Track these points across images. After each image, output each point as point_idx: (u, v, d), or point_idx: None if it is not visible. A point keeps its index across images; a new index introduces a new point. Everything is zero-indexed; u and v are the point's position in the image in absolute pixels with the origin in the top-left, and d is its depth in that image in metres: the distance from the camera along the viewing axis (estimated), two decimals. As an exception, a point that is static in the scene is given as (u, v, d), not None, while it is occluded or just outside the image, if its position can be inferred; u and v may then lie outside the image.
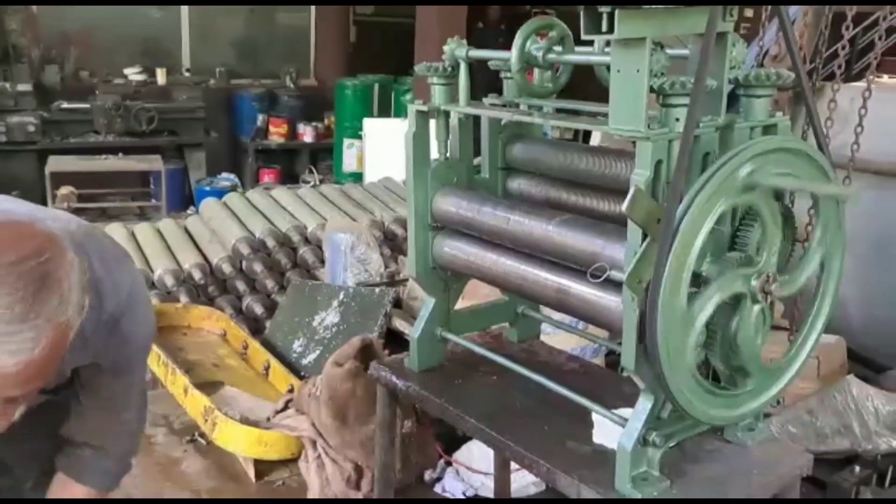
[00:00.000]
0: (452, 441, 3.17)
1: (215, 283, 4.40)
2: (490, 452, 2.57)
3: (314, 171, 8.23)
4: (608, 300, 1.59)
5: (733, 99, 1.58)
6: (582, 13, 1.39)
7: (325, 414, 2.99)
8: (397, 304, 3.96)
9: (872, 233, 3.64)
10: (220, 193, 5.85)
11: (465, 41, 1.85)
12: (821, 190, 1.51)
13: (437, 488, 3.12)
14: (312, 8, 9.29)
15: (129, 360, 1.65)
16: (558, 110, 1.94)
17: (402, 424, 2.92)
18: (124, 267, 1.53)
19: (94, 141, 7.35)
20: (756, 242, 1.52)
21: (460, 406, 1.92)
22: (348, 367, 2.99)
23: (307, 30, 9.42)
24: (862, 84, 2.85)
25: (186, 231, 4.89)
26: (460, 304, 2.14)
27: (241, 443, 3.16)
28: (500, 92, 1.97)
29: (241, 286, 4.42)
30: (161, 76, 8.29)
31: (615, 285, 1.51)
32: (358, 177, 7.24)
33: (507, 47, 1.74)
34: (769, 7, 3.17)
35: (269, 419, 3.26)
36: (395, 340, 3.63)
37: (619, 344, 1.54)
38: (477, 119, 1.98)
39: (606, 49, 1.65)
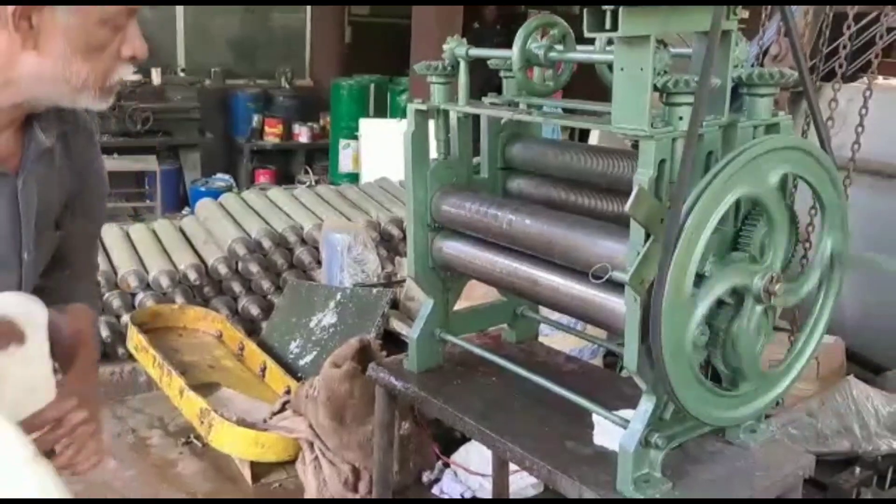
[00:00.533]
0: (450, 442, 3.17)
1: (211, 283, 4.38)
2: (488, 454, 2.56)
3: (310, 171, 8.21)
4: (610, 301, 1.58)
5: (734, 98, 1.58)
6: (585, 11, 1.37)
7: (322, 415, 2.97)
8: (394, 304, 3.95)
9: (869, 233, 3.63)
10: (215, 194, 5.82)
11: (464, 39, 1.83)
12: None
13: (435, 490, 3.11)
14: (308, 8, 9.28)
15: (102, 202, 1.60)
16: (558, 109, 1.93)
17: (400, 426, 2.91)
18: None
19: (89, 141, 7.31)
20: (760, 242, 1.51)
21: (459, 407, 1.90)
22: (346, 369, 2.97)
23: (303, 30, 9.40)
24: (860, 84, 2.84)
25: (182, 232, 4.87)
26: (458, 305, 2.13)
27: (238, 445, 3.14)
28: (496, 92, 1.96)
29: (237, 287, 4.40)
30: (156, 76, 8.25)
31: (617, 286, 1.50)
32: (354, 177, 7.23)
33: (504, 47, 1.73)
34: (769, 6, 3.17)
35: (265, 421, 3.25)
36: (392, 341, 3.61)
37: (619, 345, 1.53)
38: (476, 119, 1.96)
39: (608, 48, 1.64)
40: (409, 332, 2.07)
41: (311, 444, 3.05)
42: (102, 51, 1.25)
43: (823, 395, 2.86)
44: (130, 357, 3.84)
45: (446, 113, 1.91)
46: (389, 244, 4.79)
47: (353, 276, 4.25)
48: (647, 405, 1.55)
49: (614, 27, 1.34)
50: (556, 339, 2.72)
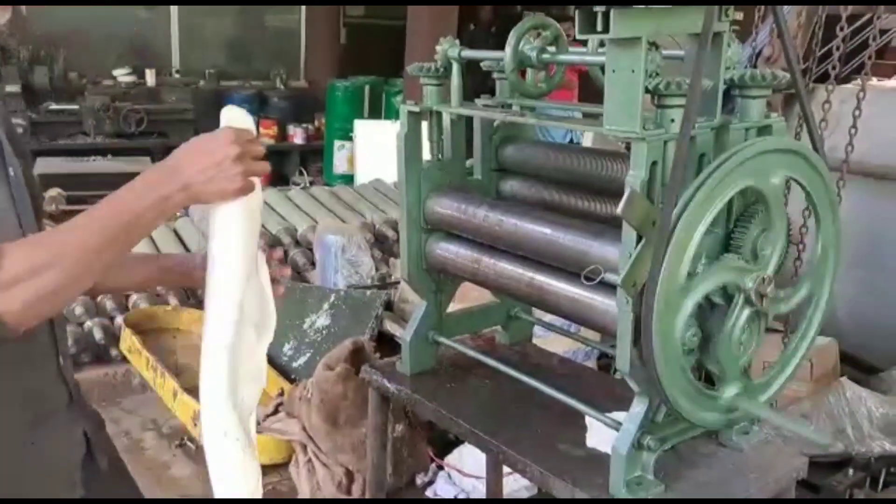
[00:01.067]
0: (444, 445, 3.16)
1: (205, 285, 4.36)
2: (482, 456, 2.56)
3: (304, 172, 8.20)
4: (602, 303, 1.58)
5: (727, 100, 1.58)
6: (576, 12, 1.37)
7: (315, 417, 2.97)
8: (388, 306, 3.94)
9: (862, 235, 3.64)
10: (209, 195, 5.80)
11: (457, 41, 1.83)
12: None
13: (429, 492, 3.11)
14: (303, 9, 9.28)
15: None
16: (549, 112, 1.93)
17: (394, 428, 2.91)
18: None
19: (83, 143, 7.31)
20: (752, 244, 1.51)
21: (452, 409, 1.90)
22: (339, 371, 2.97)
23: (297, 31, 9.40)
24: (853, 86, 2.85)
25: (176, 233, 4.85)
26: (452, 307, 2.12)
27: (231, 447, 3.12)
28: (489, 93, 1.96)
29: (231, 288, 4.37)
30: (150, 77, 8.25)
31: (610, 288, 1.50)
32: (348, 179, 7.22)
33: (500, 49, 1.73)
34: (762, 8, 3.17)
35: (258, 423, 3.24)
36: (386, 343, 3.61)
37: (612, 347, 1.53)
38: (469, 120, 1.96)
39: (600, 49, 1.63)
40: (403, 334, 2.07)
41: (305, 447, 3.04)
42: None
43: (817, 397, 2.86)
44: (124, 359, 3.83)
45: (439, 114, 1.91)
46: (384, 246, 4.78)
47: (347, 278, 4.24)
48: (639, 407, 1.55)
49: (606, 29, 1.34)
50: (550, 341, 2.72)
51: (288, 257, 4.62)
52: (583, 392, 1.79)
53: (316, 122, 8.66)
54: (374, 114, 8.28)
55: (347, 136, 7.66)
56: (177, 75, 8.65)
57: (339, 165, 7.87)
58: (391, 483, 2.68)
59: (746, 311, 1.50)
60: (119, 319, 3.95)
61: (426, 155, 1.95)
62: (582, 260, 1.58)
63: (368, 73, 8.64)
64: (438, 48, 1.83)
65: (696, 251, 1.42)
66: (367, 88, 8.40)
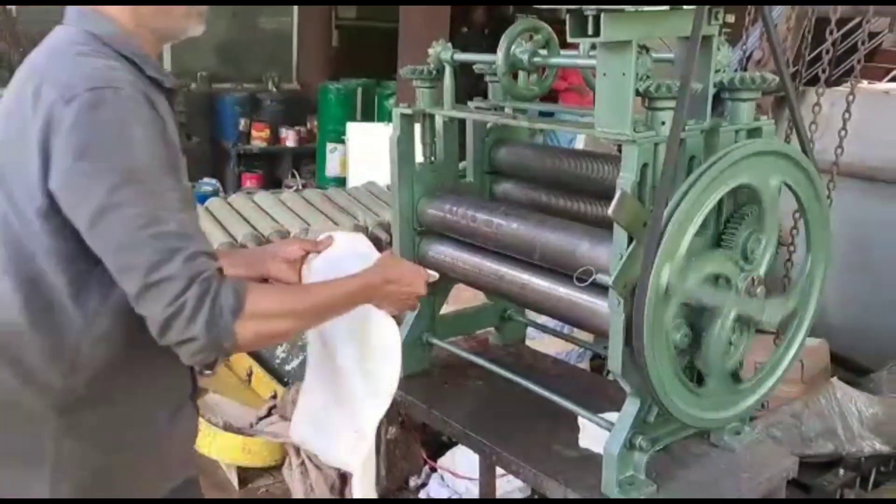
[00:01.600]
0: (437, 447, 3.16)
1: (197, 288, 4.35)
2: (475, 458, 2.56)
3: (297, 175, 8.17)
4: (595, 304, 1.59)
5: (717, 103, 1.59)
6: (567, 16, 1.38)
7: (308, 420, 2.96)
8: (381, 309, 3.93)
9: (853, 236, 3.66)
10: (201, 198, 5.78)
11: (450, 44, 1.84)
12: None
13: (422, 494, 3.11)
14: (295, 12, 9.26)
15: None
16: (542, 113, 1.94)
17: (387, 430, 2.91)
18: None
19: (74, 146, 7.28)
20: (742, 244, 1.52)
21: (445, 411, 1.91)
22: (332, 373, 2.96)
23: (289, 34, 9.38)
24: (843, 89, 2.87)
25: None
26: (445, 309, 2.13)
27: (224, 450, 3.13)
28: (482, 96, 1.96)
29: (223, 291, 4.37)
30: (142, 80, 8.21)
31: (601, 289, 1.50)
32: (341, 181, 7.21)
33: (492, 52, 1.74)
34: (752, 11, 3.19)
35: (252, 426, 3.24)
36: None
37: (605, 348, 1.54)
38: (462, 123, 1.97)
39: (592, 52, 1.65)
40: (396, 336, 2.07)
41: (298, 450, 3.04)
42: None
43: (807, 398, 2.88)
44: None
45: (432, 117, 1.91)
46: (377, 248, 4.77)
47: (340, 281, 4.23)
48: (631, 408, 1.56)
49: (596, 33, 1.35)
50: (543, 342, 2.73)
51: (281, 260, 4.62)
52: (576, 393, 1.79)
53: (308, 125, 8.63)
54: (367, 116, 8.27)
55: (340, 138, 7.65)
56: (169, 78, 8.62)
57: (332, 168, 7.85)
58: (384, 485, 2.68)
59: (735, 311, 1.51)
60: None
61: (419, 157, 1.95)
62: (574, 261, 1.59)
63: (361, 76, 8.63)
64: (431, 51, 1.84)
65: (687, 252, 1.43)
66: (359, 91, 8.38)
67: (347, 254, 1.68)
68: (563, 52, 1.76)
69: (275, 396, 3.40)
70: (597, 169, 1.73)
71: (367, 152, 6.67)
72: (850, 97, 2.75)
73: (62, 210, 1.22)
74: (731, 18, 1.54)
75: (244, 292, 1.24)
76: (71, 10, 1.39)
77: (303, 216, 4.98)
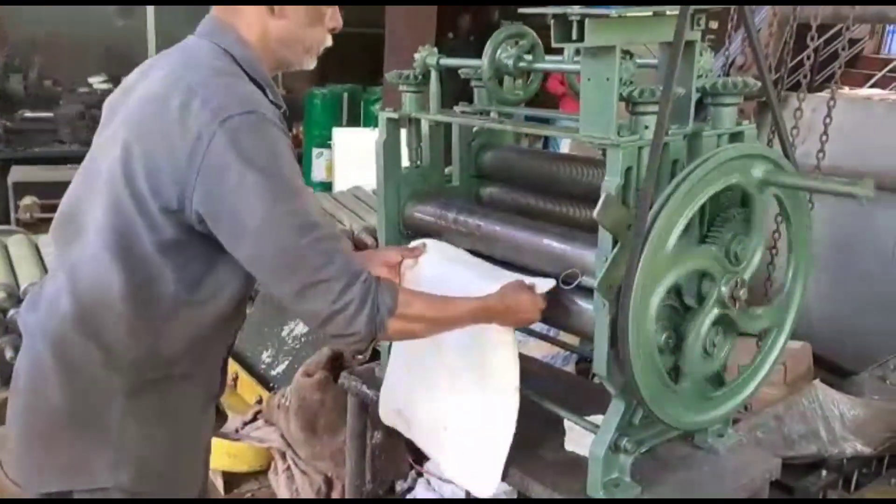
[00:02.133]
0: (423, 451, 3.15)
1: (183, 293, 4.33)
2: (462, 461, 2.56)
3: (283, 180, 8.15)
4: (580, 306, 1.60)
5: (699, 108, 1.60)
6: (552, 21, 1.40)
7: (294, 425, 2.96)
8: (367, 313, 3.92)
9: (834, 239, 3.70)
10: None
11: (435, 49, 1.85)
12: (840, 189, 1.46)
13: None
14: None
15: None
16: (528, 118, 1.95)
17: (373, 435, 2.90)
18: None
19: (59, 150, 7.23)
20: (726, 245, 1.53)
21: (432, 415, 1.91)
22: (318, 378, 2.96)
23: (276, 39, 9.37)
24: (824, 94, 2.90)
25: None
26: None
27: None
28: (468, 100, 1.97)
29: (209, 296, 4.35)
30: (127, 85, 8.17)
31: (587, 291, 1.52)
32: (327, 186, 7.20)
33: (478, 58, 1.75)
34: (735, 16, 3.22)
35: (237, 431, 3.22)
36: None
37: (591, 351, 1.54)
38: (448, 127, 1.98)
39: (577, 58, 1.66)
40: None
41: (284, 454, 3.03)
42: (322, 21, 1.53)
43: (790, 400, 2.89)
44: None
45: (418, 121, 1.92)
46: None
47: (326, 285, 4.22)
48: (616, 410, 1.57)
49: (581, 38, 1.36)
50: (529, 345, 2.73)
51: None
52: (562, 396, 1.80)
53: (294, 130, 8.61)
54: (353, 121, 8.26)
55: (326, 143, 7.64)
56: (154, 83, 8.58)
57: (318, 173, 7.85)
58: (370, 490, 2.68)
59: (716, 311, 1.53)
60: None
61: (405, 161, 1.96)
62: (560, 264, 1.60)
63: (346, 82, 8.62)
64: (417, 56, 1.85)
65: (672, 255, 1.44)
66: (345, 96, 8.38)
67: (441, 258, 1.82)
68: (548, 57, 1.77)
69: (260, 401, 3.39)
70: (582, 172, 1.74)
71: (352, 157, 6.68)
72: (831, 102, 2.78)
73: (201, 215, 1.33)
74: (714, 25, 1.56)
75: (397, 293, 1.42)
76: (207, 23, 1.50)
77: (288, 221, 4.97)
